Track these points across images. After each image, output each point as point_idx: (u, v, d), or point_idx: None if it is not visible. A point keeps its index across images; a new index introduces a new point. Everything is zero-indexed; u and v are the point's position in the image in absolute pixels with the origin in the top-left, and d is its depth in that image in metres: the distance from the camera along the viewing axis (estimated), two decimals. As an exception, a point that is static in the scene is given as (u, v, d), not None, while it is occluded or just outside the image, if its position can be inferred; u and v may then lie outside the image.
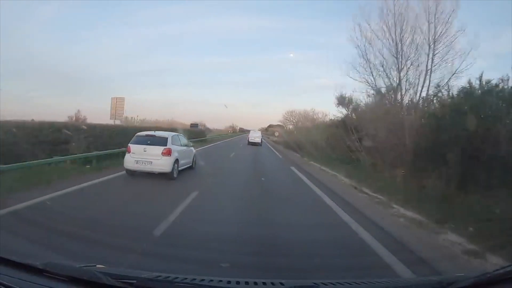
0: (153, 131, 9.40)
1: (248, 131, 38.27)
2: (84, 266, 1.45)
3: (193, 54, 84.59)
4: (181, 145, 9.23)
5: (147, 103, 71.16)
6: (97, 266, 1.49)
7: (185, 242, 3.85)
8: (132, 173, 8.44)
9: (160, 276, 1.43)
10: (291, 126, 53.20)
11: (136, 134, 8.85)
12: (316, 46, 71.83)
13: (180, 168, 8.81)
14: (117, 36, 68.67)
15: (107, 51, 66.93)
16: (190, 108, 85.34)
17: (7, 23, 43.17)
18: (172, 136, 8.83)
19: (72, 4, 60.20)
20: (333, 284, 1.48)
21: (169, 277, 1.43)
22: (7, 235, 3.36)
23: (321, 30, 68.32)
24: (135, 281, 1.34)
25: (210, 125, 53.93)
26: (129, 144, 8.46)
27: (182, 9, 72.09)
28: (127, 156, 8.33)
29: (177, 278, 1.41)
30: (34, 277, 1.36)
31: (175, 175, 8.38)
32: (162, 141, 8.39)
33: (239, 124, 77.89)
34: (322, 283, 1.45)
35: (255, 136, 30.47)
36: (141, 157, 8.10)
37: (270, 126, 77.84)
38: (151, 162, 8.01)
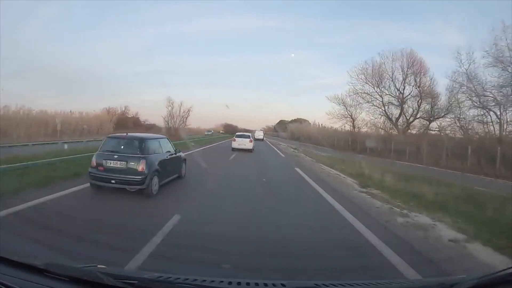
0: (243, 132, 21.96)
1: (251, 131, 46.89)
2: (85, 267, 1.49)
3: (192, 54, 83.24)
4: (256, 138, 21.63)
5: (147, 103, 74.37)
6: (98, 266, 1.52)
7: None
8: (234, 150, 20.65)
9: (161, 276, 1.47)
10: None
11: (235, 134, 21.48)
12: (318, 46, 72.93)
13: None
14: (116, 36, 69.76)
15: (106, 52, 67.88)
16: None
17: (7, 23, 43.99)
18: (250, 134, 21.51)
19: (73, 4, 60.45)
20: (335, 286, 1.49)
21: (170, 277, 1.46)
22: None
23: (322, 30, 69.82)
24: (136, 282, 1.37)
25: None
26: (234, 137, 20.88)
27: (182, 9, 72.54)
28: (233, 142, 20.74)
29: (178, 278, 1.45)
30: (35, 277, 1.38)
31: (253, 151, 20.61)
32: (248, 136, 21.00)
33: (237, 124, 67.15)
34: (323, 284, 1.46)
35: (259, 135, 41.77)
36: (240, 143, 20.47)
37: (281, 122, 68.97)
38: (245, 145, 20.33)
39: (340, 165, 12.97)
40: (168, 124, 38.44)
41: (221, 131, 67.24)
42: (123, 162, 6.05)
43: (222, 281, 1.47)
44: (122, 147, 6.37)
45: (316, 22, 68.87)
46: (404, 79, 29.62)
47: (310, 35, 71.86)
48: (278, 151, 23.46)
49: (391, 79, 30.56)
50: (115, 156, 6.13)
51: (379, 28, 56.85)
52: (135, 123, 38.61)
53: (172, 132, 28.17)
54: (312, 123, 49.19)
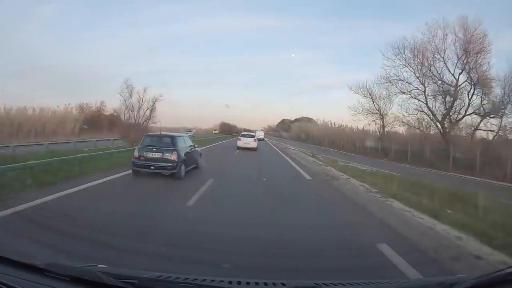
0: (247, 132, 23.26)
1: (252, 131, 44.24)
2: (85, 266, 1.49)
3: (192, 54, 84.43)
4: (257, 137, 22.66)
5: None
6: (99, 265, 1.53)
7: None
8: (239, 148, 21.22)
9: (161, 276, 1.47)
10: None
11: (241, 133, 22.43)
12: (318, 46, 74.29)
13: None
14: (115, 36, 69.79)
15: (105, 51, 67.17)
16: (190, 109, 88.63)
17: (7, 23, 43.54)
18: (254, 132, 23.11)
19: (71, 3, 60.60)
20: (335, 285, 1.49)
21: (170, 277, 1.47)
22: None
23: (322, 29, 71.72)
24: (136, 281, 1.37)
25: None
26: (239, 137, 21.80)
27: (182, 9, 74.37)
28: (238, 141, 21.45)
29: (178, 278, 1.45)
30: (36, 276, 1.38)
31: (256, 149, 21.30)
32: (252, 136, 21.66)
33: (237, 123, 62.72)
34: (323, 283, 1.46)
35: (259, 134, 42.34)
36: (245, 142, 21.15)
37: (283, 121, 66.44)
38: (250, 144, 21.00)
39: (445, 208, 5.99)
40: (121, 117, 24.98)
41: (214, 131, 61.66)
42: (160, 153, 7.88)
43: (222, 281, 1.47)
44: (158, 142, 8.28)
45: (316, 22, 70.22)
46: (463, 61, 20.43)
47: (310, 35, 74.25)
48: (293, 164, 14.61)
49: (442, 60, 21.82)
50: (154, 149, 7.99)
51: (380, 27, 57.15)
52: (112, 122, 29.67)
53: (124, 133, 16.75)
54: (319, 122, 44.65)
